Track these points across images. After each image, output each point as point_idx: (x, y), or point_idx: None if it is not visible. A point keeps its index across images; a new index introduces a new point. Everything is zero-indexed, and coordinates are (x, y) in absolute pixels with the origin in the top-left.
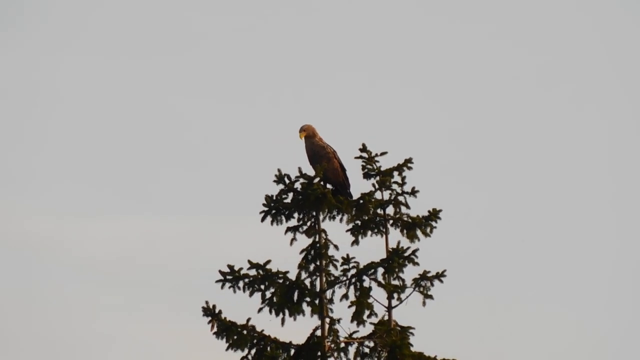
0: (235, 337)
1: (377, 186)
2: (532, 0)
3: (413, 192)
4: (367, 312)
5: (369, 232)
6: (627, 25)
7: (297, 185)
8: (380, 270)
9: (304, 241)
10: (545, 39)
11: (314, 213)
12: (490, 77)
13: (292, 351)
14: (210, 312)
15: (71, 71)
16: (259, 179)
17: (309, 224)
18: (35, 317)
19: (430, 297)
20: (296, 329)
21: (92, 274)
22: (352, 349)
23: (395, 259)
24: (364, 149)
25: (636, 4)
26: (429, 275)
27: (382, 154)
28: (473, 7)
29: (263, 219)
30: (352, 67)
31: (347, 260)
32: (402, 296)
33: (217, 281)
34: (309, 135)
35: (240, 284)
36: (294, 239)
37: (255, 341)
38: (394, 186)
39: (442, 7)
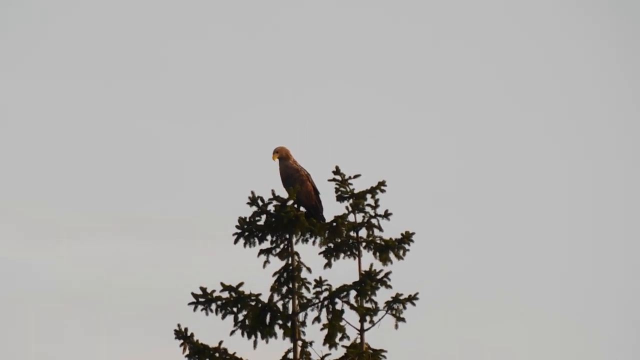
0: (207, 359)
1: (350, 209)
2: (515, 18)
3: (386, 215)
4: (339, 335)
5: (342, 255)
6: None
7: (271, 208)
8: (353, 293)
9: (276, 264)
10: (521, 59)
11: (287, 235)
12: (466, 98)
13: None
14: (182, 334)
15: (42, 92)
16: (232, 201)
17: (282, 246)
18: (2, 342)
19: (403, 319)
20: (268, 352)
21: (61, 298)
22: None
23: (368, 282)
24: (337, 171)
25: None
26: (401, 298)
27: (356, 176)
28: (446, 25)
29: (236, 241)
30: (325, 90)
31: (319, 282)
32: (375, 319)
33: (189, 303)
34: (283, 157)
35: (213, 306)
36: (267, 262)
37: None
38: (367, 209)
39: (414, 25)
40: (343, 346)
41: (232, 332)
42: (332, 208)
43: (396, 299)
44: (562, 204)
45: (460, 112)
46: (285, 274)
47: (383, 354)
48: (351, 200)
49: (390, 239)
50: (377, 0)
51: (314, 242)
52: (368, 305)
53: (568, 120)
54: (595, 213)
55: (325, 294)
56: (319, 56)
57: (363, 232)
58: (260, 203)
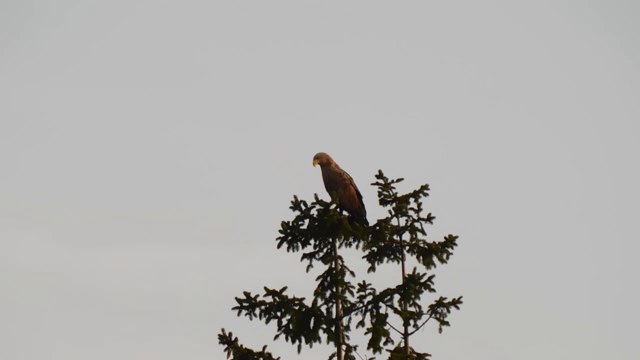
0: None
1: (393, 212)
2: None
3: (429, 219)
4: (383, 339)
5: (385, 259)
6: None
7: (313, 212)
8: (397, 296)
9: (320, 268)
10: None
11: (330, 240)
12: (505, 100)
13: None
14: (226, 339)
15: (78, 100)
16: (275, 206)
17: (325, 250)
18: (43, 348)
19: (447, 323)
20: (313, 356)
21: (105, 305)
22: None
23: (412, 286)
24: (380, 175)
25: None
26: (445, 301)
27: (398, 180)
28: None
29: (279, 246)
30: (366, 93)
31: (363, 286)
32: (419, 323)
33: (233, 308)
34: (324, 163)
35: (257, 311)
36: (310, 266)
37: None
38: (410, 212)
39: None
40: (387, 350)
41: (276, 337)
42: (375, 212)
43: (440, 302)
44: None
45: (505, 117)
46: (328, 278)
47: (427, 357)
48: (394, 204)
49: (434, 242)
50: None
51: (357, 246)
52: (412, 309)
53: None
54: None
55: (369, 297)
56: (359, 56)
57: (406, 236)
58: (303, 207)
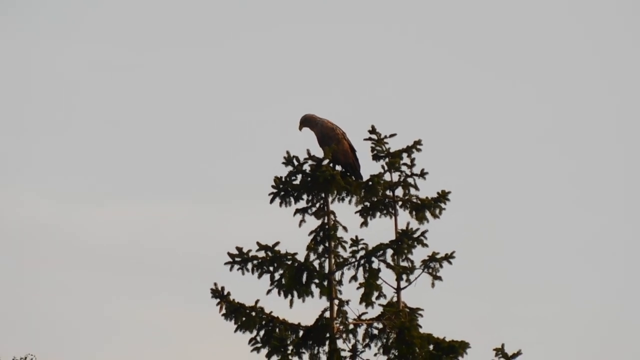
0: (244, 318)
1: (386, 168)
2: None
3: (422, 174)
4: (375, 294)
5: (378, 214)
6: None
7: (306, 167)
8: (389, 251)
9: (312, 223)
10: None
11: (323, 195)
12: (497, 64)
13: (301, 333)
14: (219, 293)
15: (79, 59)
16: (268, 161)
17: (317, 205)
18: (40, 303)
19: (439, 278)
20: (305, 311)
21: (99, 259)
22: (360, 331)
23: (405, 241)
24: (373, 130)
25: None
26: (437, 256)
27: (391, 135)
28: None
29: (272, 201)
30: (362, 50)
31: (356, 241)
32: (411, 278)
33: (225, 263)
34: (312, 123)
35: (249, 266)
36: (302, 221)
37: (263, 323)
38: (403, 168)
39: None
40: (380, 305)
41: (269, 292)
42: (368, 167)
43: (432, 257)
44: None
45: (498, 77)
46: (321, 233)
47: (420, 312)
48: (387, 160)
49: (426, 197)
50: None
51: (350, 201)
52: (404, 264)
53: None
54: None
55: (362, 252)
56: (355, 16)
57: (399, 191)
58: (296, 162)
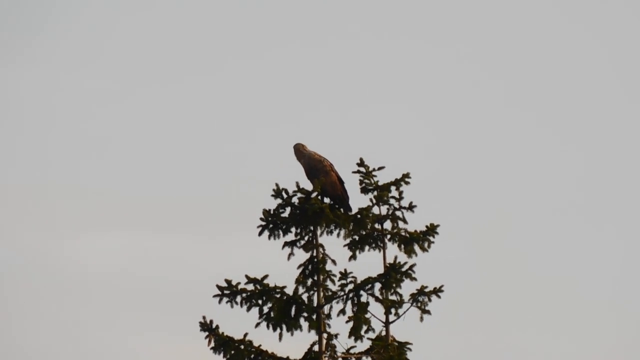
0: (232, 351)
1: (374, 201)
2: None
3: (410, 207)
4: (364, 328)
5: (367, 247)
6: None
7: (295, 200)
8: (378, 285)
9: (301, 256)
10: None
11: (312, 227)
12: (484, 93)
13: None
14: (207, 327)
15: (63, 82)
16: (257, 193)
17: (306, 238)
18: (25, 330)
19: (428, 312)
20: (294, 344)
21: (86, 289)
22: None
23: (393, 274)
24: (361, 163)
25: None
26: (426, 290)
27: (380, 168)
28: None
29: (260, 234)
30: (349, 82)
31: (344, 275)
32: (400, 311)
33: (214, 296)
34: (297, 155)
35: (238, 298)
36: (291, 254)
37: (252, 356)
38: (392, 201)
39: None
40: (368, 338)
41: (257, 325)
42: (356, 200)
43: (421, 291)
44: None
45: (485, 108)
46: (310, 266)
47: (408, 346)
48: (375, 193)
49: (415, 231)
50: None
51: (338, 234)
52: (393, 297)
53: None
54: None
55: (351, 286)
56: (338, 49)
57: (388, 224)
58: (285, 195)
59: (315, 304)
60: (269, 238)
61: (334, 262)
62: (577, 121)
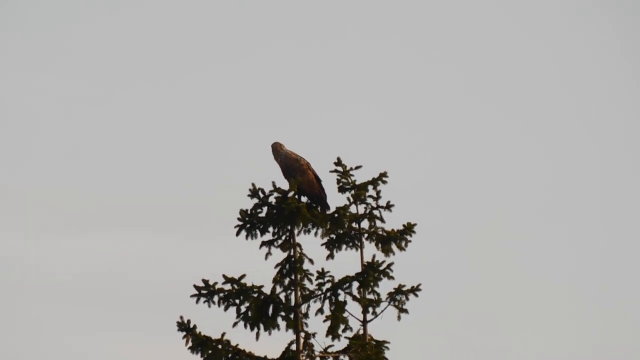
0: (210, 351)
1: (352, 200)
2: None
3: (388, 206)
4: (342, 327)
5: (344, 246)
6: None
7: (272, 199)
8: (355, 284)
9: (279, 255)
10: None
11: (289, 227)
12: (462, 93)
13: None
14: (184, 326)
15: (46, 89)
16: (234, 193)
17: (283, 237)
18: (4, 336)
19: (405, 311)
20: (271, 343)
21: (63, 291)
22: None
23: (371, 273)
24: (338, 162)
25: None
26: (404, 289)
27: (357, 167)
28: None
29: (238, 233)
30: (327, 82)
31: (322, 274)
32: (377, 310)
33: (191, 296)
34: (274, 154)
35: (215, 298)
36: (268, 253)
37: (230, 355)
38: (369, 200)
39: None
40: (346, 337)
41: (235, 324)
42: (334, 199)
43: (399, 290)
44: (554, 199)
45: (463, 106)
46: (287, 266)
47: (386, 345)
48: (353, 192)
49: (392, 230)
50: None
51: (316, 234)
52: (370, 296)
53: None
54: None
55: (328, 285)
56: (320, 50)
57: (365, 224)
58: (262, 195)
59: (292, 303)
60: (247, 238)
61: (311, 261)
62: (564, 121)
